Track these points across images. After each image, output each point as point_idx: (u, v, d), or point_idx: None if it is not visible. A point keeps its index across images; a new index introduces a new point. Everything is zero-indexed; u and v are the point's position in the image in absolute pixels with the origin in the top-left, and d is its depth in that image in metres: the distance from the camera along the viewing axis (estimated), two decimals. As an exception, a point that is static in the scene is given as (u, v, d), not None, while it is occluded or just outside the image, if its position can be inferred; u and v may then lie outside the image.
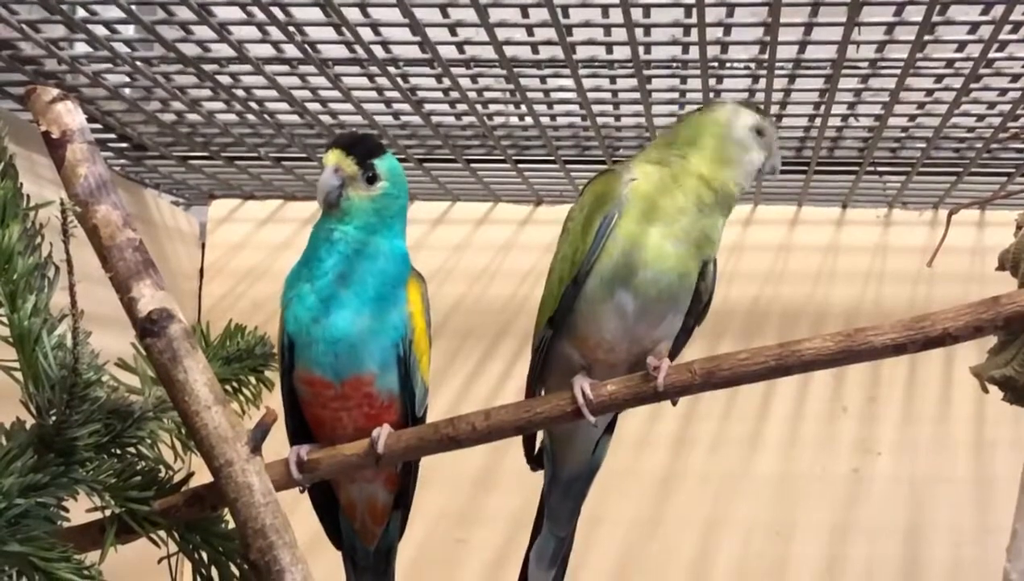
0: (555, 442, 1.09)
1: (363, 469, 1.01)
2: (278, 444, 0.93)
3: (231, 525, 0.90)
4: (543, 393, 1.04)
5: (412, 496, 1.09)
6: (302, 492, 1.04)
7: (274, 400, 1.01)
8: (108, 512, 0.91)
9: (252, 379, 1.06)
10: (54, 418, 0.85)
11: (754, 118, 1.00)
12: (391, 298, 1.00)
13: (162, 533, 0.93)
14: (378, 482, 1.06)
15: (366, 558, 1.11)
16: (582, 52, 1.20)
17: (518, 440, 1.03)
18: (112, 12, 1.12)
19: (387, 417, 1.01)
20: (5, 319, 0.87)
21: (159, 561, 0.96)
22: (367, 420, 1.00)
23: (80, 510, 0.90)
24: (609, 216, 0.97)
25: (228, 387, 1.02)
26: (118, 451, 0.91)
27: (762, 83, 1.23)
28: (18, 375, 0.86)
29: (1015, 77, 1.24)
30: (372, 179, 0.99)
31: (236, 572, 0.95)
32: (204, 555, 0.95)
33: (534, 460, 1.11)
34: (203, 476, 0.89)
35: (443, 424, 0.98)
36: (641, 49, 1.17)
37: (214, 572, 0.95)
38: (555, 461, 1.09)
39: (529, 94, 1.30)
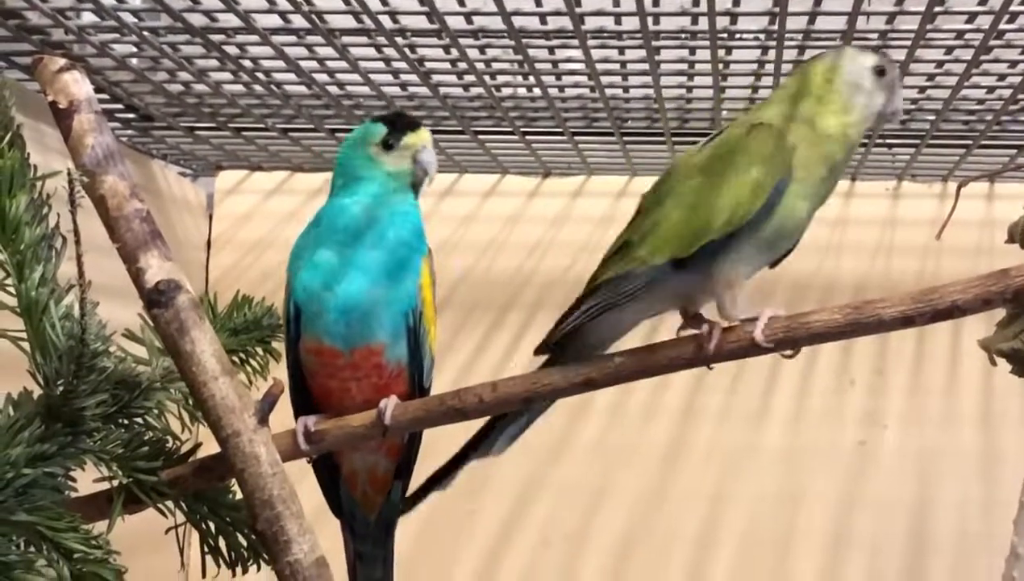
0: None
1: (369, 440, 1.01)
2: (285, 415, 0.93)
3: (238, 495, 0.90)
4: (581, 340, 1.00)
5: (414, 466, 1.09)
6: (310, 462, 1.04)
7: (281, 371, 1.01)
8: (115, 482, 0.91)
9: (259, 350, 1.06)
10: (61, 388, 0.85)
11: (872, 58, 0.96)
12: (408, 268, 1.00)
13: (169, 503, 0.94)
14: (380, 452, 1.07)
15: (365, 527, 1.11)
16: (590, 23, 1.20)
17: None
18: (119, -19, 1.12)
19: (396, 387, 1.01)
20: (12, 289, 0.87)
21: (166, 531, 0.96)
22: (375, 391, 1.00)
23: (87, 480, 0.90)
24: (783, 182, 0.93)
25: (235, 358, 1.02)
26: (125, 421, 0.92)
27: (772, 54, 1.23)
28: (25, 345, 0.86)
29: (1026, 49, 1.23)
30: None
31: (243, 542, 0.95)
32: (211, 525, 0.95)
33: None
34: (210, 446, 0.89)
35: (449, 396, 0.98)
36: (650, 20, 1.16)
37: (221, 542, 0.96)
38: None
39: (537, 65, 1.29)
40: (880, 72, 0.96)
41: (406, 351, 1.01)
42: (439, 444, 1.04)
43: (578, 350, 0.99)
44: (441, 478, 1.04)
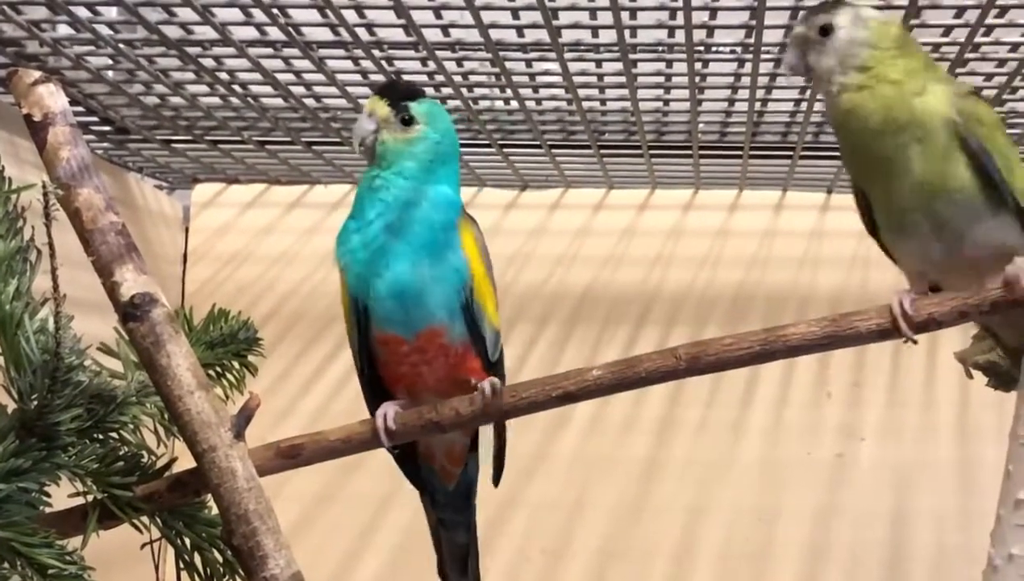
0: None
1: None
2: (262, 429, 0.92)
3: (214, 511, 0.90)
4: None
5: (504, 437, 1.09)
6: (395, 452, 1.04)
7: (257, 385, 1.00)
8: (90, 497, 0.90)
9: (236, 364, 1.05)
10: (36, 403, 0.84)
11: None
12: (444, 245, 1.00)
13: (145, 519, 0.93)
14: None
15: (445, 496, 1.11)
16: (568, 35, 1.20)
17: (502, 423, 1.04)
18: (94, -6, 1.12)
19: (465, 366, 1.01)
20: (-14, 303, 0.86)
21: (142, 547, 0.96)
22: (447, 371, 1.00)
23: (62, 495, 0.89)
24: None
25: (211, 372, 1.02)
26: (100, 436, 0.91)
27: (748, 67, 1.23)
28: (-1, 359, 0.86)
29: (1001, 62, 1.24)
30: (408, 121, 1.00)
31: (219, 557, 0.95)
32: (187, 541, 0.95)
33: None
34: (186, 461, 0.88)
35: (427, 409, 0.98)
36: (627, 33, 1.16)
37: (197, 557, 0.95)
38: None
39: (514, 78, 1.29)
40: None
41: (466, 328, 1.01)
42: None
43: None
44: None
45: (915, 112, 0.90)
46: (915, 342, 0.92)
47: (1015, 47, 1.20)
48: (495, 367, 1.03)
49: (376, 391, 1.04)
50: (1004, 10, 1.12)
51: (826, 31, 0.93)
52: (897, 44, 0.93)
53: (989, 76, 1.27)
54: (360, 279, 1.00)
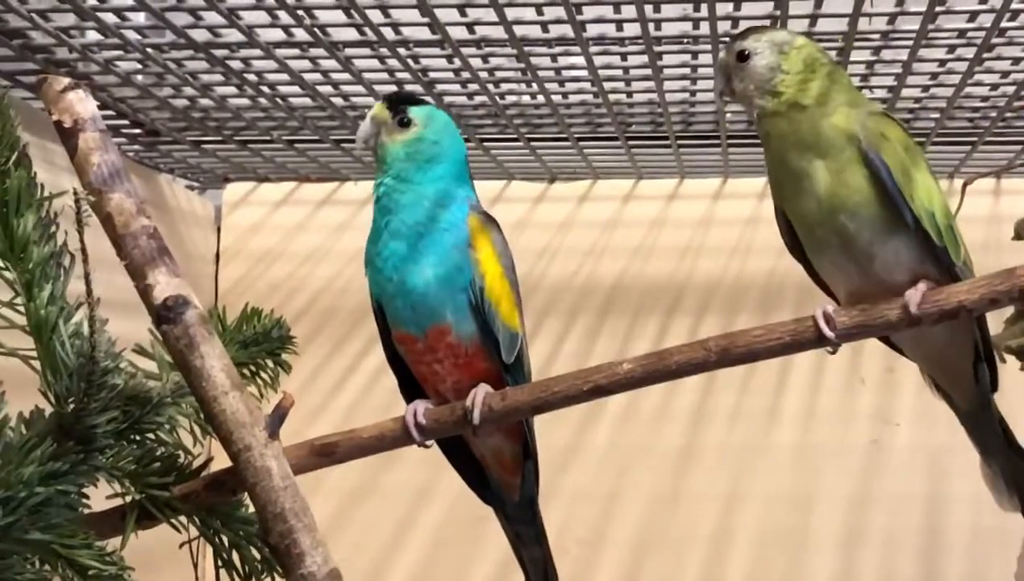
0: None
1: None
2: (297, 427, 0.93)
3: (251, 509, 0.90)
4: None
5: (535, 446, 1.09)
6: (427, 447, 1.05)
7: (291, 382, 1.01)
8: (128, 498, 0.91)
9: (269, 362, 1.06)
10: (72, 406, 0.85)
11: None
12: (448, 244, 1.01)
13: (183, 518, 0.93)
14: (499, 436, 1.07)
15: (514, 508, 1.12)
16: (592, 29, 1.20)
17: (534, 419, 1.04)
18: (122, -1, 1.13)
19: (479, 366, 1.02)
20: (22, 308, 0.87)
21: (180, 546, 0.97)
22: (460, 371, 1.01)
23: (100, 497, 0.90)
24: None
25: (245, 371, 1.02)
26: (137, 437, 0.92)
27: (773, 56, 1.23)
28: (36, 364, 0.86)
29: (1028, 46, 1.23)
30: (405, 124, 1.02)
31: (257, 555, 0.95)
32: (225, 539, 0.95)
33: None
34: (222, 460, 0.89)
35: (459, 405, 0.98)
36: (651, 25, 1.17)
37: (235, 556, 0.95)
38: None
39: (540, 72, 1.30)
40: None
41: (476, 328, 1.01)
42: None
43: None
44: None
45: (822, 132, 0.93)
46: (832, 352, 0.97)
47: (1042, 30, 1.20)
48: (511, 369, 1.03)
49: (413, 392, 1.06)
50: (1029, -5, 1.12)
51: (743, 57, 0.96)
52: (808, 67, 0.95)
53: (1016, 60, 1.26)
54: (374, 282, 1.03)
